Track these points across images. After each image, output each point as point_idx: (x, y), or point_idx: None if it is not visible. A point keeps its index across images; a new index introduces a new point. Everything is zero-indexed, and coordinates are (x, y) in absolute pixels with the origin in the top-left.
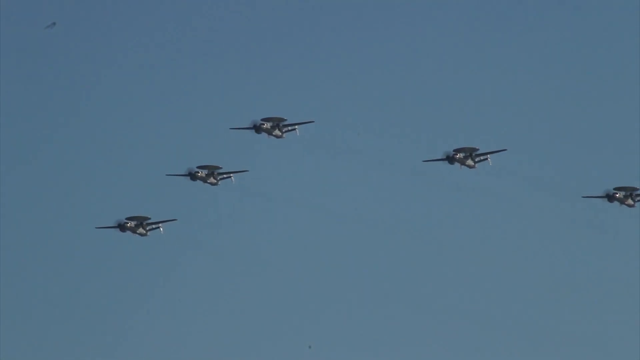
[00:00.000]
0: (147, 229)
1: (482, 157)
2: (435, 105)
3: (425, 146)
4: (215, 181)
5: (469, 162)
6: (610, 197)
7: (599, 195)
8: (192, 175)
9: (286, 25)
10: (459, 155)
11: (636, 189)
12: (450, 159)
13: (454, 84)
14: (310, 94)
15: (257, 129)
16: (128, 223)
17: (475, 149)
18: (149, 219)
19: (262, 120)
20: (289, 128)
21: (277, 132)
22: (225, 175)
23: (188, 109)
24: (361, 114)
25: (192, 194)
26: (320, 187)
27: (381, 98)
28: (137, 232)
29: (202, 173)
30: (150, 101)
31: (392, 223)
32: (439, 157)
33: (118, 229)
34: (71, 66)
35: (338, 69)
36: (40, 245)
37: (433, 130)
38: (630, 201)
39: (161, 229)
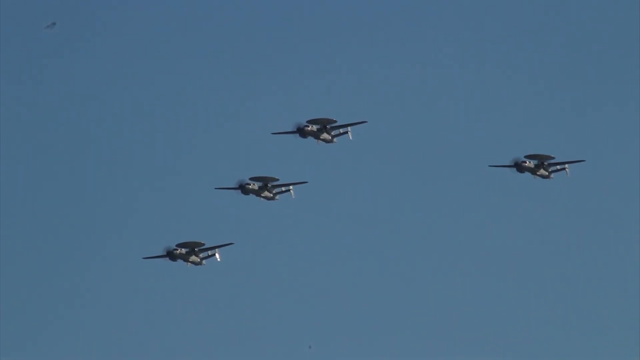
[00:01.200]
0: (201, 256)
1: (558, 167)
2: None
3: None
4: (271, 195)
5: (542, 171)
6: (519, 166)
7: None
8: (243, 188)
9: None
10: (528, 163)
11: (549, 157)
12: (519, 167)
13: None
14: (359, 95)
15: (302, 132)
16: (178, 250)
17: (549, 157)
18: (203, 244)
19: (307, 122)
20: (340, 131)
21: (325, 135)
22: (283, 189)
23: (223, 112)
24: (418, 115)
25: (245, 211)
26: (380, 197)
27: (438, 98)
28: (190, 260)
29: (254, 185)
30: (169, 103)
31: (454, 234)
32: (507, 164)
33: (167, 258)
34: (71, 66)
35: (388, 69)
36: (83, 278)
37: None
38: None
39: (217, 256)
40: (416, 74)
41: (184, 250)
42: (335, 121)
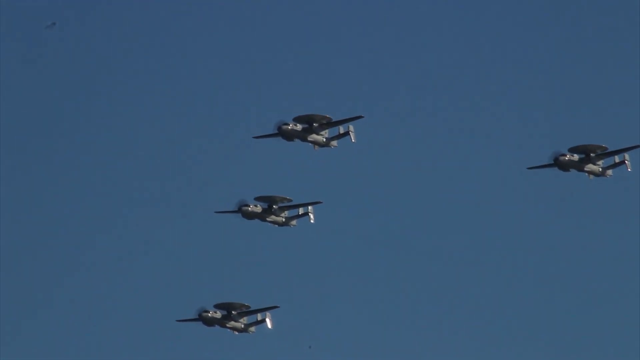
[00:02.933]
0: (245, 322)
1: (616, 160)
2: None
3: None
4: (282, 219)
5: (591, 166)
6: (560, 163)
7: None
8: (244, 212)
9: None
10: (571, 158)
11: (599, 148)
12: (560, 164)
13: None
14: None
15: (283, 132)
16: (209, 312)
17: (602, 148)
18: (248, 307)
19: (294, 119)
20: (340, 131)
21: (315, 137)
22: (301, 213)
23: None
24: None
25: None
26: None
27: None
28: (229, 325)
29: (256, 207)
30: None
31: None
32: (546, 163)
33: (201, 322)
34: (71, 66)
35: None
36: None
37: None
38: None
39: (268, 322)
40: (424, 68)
41: (219, 314)
42: (329, 118)
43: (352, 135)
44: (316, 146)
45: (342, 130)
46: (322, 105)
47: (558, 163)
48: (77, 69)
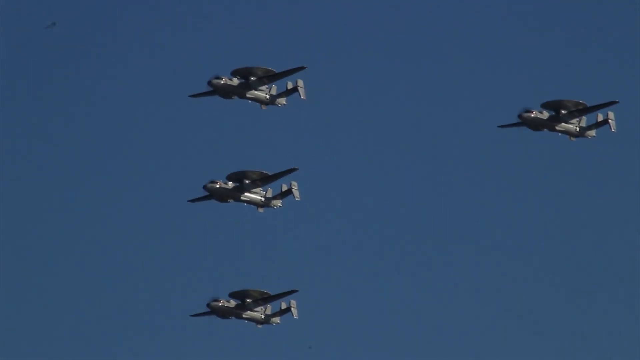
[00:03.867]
0: (265, 313)
1: (598, 120)
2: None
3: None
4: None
5: (565, 125)
6: (523, 119)
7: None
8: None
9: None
10: (539, 115)
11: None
12: (527, 122)
13: None
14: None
15: (216, 88)
16: (220, 302)
17: (577, 104)
18: (266, 294)
19: (232, 73)
20: (288, 87)
21: (255, 93)
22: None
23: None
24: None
25: None
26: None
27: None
28: (246, 316)
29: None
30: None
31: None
32: (516, 121)
33: (215, 315)
34: (71, 66)
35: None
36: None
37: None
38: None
39: (294, 310)
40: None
41: (232, 303)
42: (270, 70)
43: (300, 91)
44: (263, 105)
45: (290, 85)
46: (265, 59)
47: (524, 120)
48: (77, 68)
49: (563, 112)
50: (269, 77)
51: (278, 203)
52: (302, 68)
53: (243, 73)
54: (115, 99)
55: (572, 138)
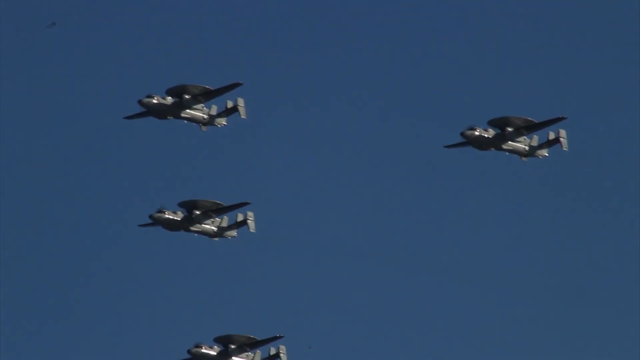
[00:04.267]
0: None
1: (550, 139)
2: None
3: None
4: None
5: (513, 144)
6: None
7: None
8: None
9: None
10: (483, 133)
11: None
12: (471, 140)
13: None
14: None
15: (150, 109)
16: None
17: (523, 120)
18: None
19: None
20: (228, 106)
21: (191, 112)
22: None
23: None
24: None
25: None
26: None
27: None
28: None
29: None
30: None
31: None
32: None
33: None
34: (71, 66)
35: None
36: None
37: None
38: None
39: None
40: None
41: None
42: (204, 87)
43: (241, 110)
44: (202, 126)
45: (229, 104)
46: (200, 76)
47: (467, 139)
48: (77, 68)
49: (509, 129)
50: (205, 95)
51: (233, 233)
52: (238, 84)
53: (177, 91)
54: None
55: (523, 158)
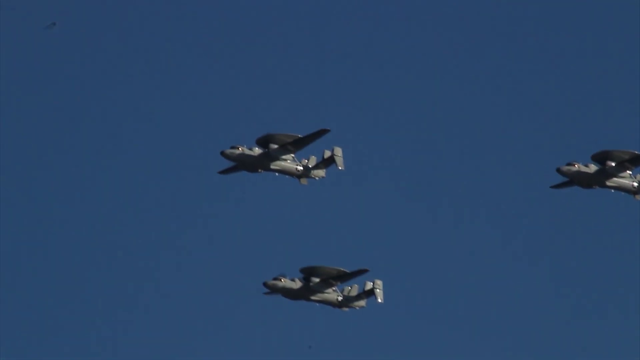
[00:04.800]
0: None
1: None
2: None
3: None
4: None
5: (619, 181)
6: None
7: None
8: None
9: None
10: (582, 168)
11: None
12: (573, 177)
13: None
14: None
15: (237, 160)
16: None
17: (629, 154)
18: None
19: (257, 141)
20: (325, 156)
21: (282, 164)
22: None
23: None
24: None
25: None
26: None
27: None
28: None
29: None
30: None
31: None
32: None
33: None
34: (71, 66)
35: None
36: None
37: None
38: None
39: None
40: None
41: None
42: (294, 136)
43: (338, 160)
44: (301, 179)
45: (327, 154)
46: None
47: (567, 176)
48: (77, 68)
49: (611, 164)
50: (294, 144)
51: (361, 303)
52: (325, 131)
53: (264, 141)
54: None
55: (637, 197)
